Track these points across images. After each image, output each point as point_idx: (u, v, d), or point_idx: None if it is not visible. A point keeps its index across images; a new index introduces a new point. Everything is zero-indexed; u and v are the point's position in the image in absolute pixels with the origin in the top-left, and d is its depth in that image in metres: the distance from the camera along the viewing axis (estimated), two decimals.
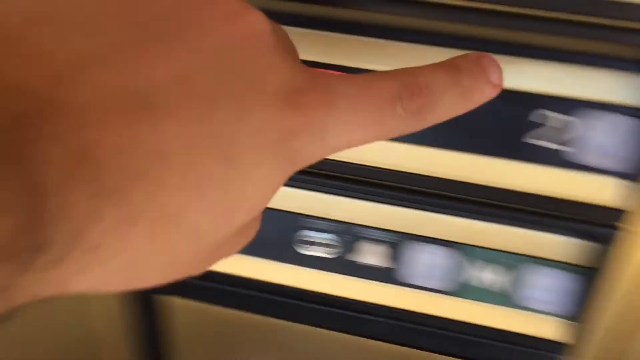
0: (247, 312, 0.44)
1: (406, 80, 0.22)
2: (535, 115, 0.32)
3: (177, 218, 0.17)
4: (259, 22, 0.20)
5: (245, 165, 0.19)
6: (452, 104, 0.23)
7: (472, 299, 0.39)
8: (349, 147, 0.21)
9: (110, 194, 0.16)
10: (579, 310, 0.37)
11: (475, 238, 0.38)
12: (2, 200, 0.14)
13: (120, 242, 0.16)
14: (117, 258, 0.16)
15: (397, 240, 0.39)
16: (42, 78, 0.15)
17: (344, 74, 0.22)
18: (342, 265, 0.40)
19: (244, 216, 0.20)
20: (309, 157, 0.21)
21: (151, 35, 0.17)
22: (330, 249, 0.39)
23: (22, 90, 0.15)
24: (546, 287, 0.38)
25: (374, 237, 0.39)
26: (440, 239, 0.38)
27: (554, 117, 0.32)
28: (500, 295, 0.38)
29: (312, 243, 0.39)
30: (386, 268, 0.39)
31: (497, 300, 0.39)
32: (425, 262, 0.39)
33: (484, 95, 0.24)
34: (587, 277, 0.36)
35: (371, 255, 0.39)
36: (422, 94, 0.22)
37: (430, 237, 0.38)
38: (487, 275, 0.38)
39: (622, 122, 0.31)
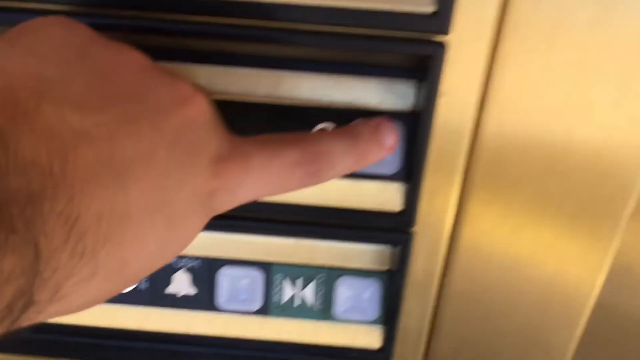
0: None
1: (309, 147, 0.26)
2: (314, 126, 0.34)
3: (124, 268, 0.21)
4: (203, 103, 0.24)
5: (179, 222, 0.23)
6: (347, 166, 0.28)
7: (285, 317, 0.40)
8: (253, 199, 0.26)
9: (83, 256, 0.19)
10: (386, 313, 0.39)
11: (279, 255, 0.38)
12: (9, 266, 0.17)
13: (83, 290, 0.20)
14: (77, 301, 0.20)
15: (203, 266, 0.38)
16: (47, 154, 0.18)
17: (259, 138, 0.26)
18: (151, 297, 0.39)
19: (171, 259, 0.25)
20: (222, 208, 0.25)
21: (126, 115, 0.21)
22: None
23: (33, 166, 0.17)
24: (355, 295, 0.39)
25: (182, 265, 0.38)
26: (246, 260, 0.38)
27: (332, 128, 0.34)
28: (312, 310, 0.39)
29: None
30: (196, 295, 0.39)
31: (309, 315, 0.40)
32: (234, 285, 0.39)
33: (377, 157, 0.29)
34: (389, 280, 0.38)
35: (180, 283, 0.39)
36: (321, 160, 0.26)
37: (235, 260, 0.38)
38: (297, 292, 0.39)
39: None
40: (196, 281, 0.39)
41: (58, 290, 0.19)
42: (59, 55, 0.22)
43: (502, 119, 0.32)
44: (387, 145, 0.29)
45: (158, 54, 0.27)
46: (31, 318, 0.19)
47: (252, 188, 0.26)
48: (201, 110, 0.24)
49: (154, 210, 0.22)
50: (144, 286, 0.39)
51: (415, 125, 0.32)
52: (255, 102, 0.33)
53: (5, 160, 0.17)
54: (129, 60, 0.24)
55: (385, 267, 0.39)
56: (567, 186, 0.33)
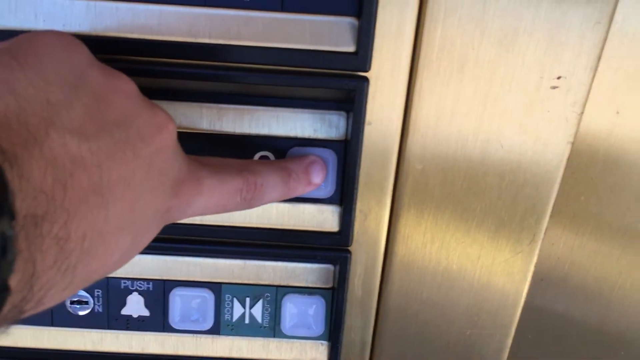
0: None
1: (249, 178, 0.31)
2: (256, 155, 0.37)
3: (92, 277, 0.23)
4: (174, 131, 0.27)
5: (141, 236, 0.26)
6: (275, 198, 0.33)
7: (236, 335, 0.42)
8: (199, 215, 0.30)
9: (66, 271, 0.21)
10: (330, 329, 0.41)
11: (228, 276, 0.41)
12: (13, 283, 0.18)
13: (57, 297, 0.22)
14: (48, 304, 0.22)
15: (156, 288, 0.41)
16: (52, 180, 0.19)
17: (211, 163, 0.30)
18: (106, 320, 0.41)
19: (126, 263, 0.27)
20: (173, 221, 0.29)
21: (115, 141, 0.23)
22: (86, 305, 0.40)
23: (41, 192, 0.19)
24: (301, 313, 0.42)
25: (135, 288, 0.40)
26: (196, 282, 0.40)
27: (271, 155, 0.37)
28: (261, 328, 0.42)
29: (72, 302, 0.40)
30: (150, 316, 0.41)
31: (258, 333, 0.42)
32: (186, 305, 0.41)
33: (304, 191, 0.35)
34: (330, 297, 0.41)
35: (134, 306, 0.41)
36: (257, 190, 0.31)
37: (187, 281, 0.41)
38: (246, 310, 0.41)
39: (325, 155, 0.36)
40: (149, 303, 0.41)
41: (40, 300, 0.21)
42: (62, 77, 0.23)
43: (424, 144, 0.35)
44: (315, 183, 0.34)
45: None
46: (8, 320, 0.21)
47: (200, 207, 0.29)
48: (172, 137, 0.27)
49: (124, 228, 0.24)
50: (99, 309, 0.41)
51: (345, 152, 0.35)
52: (200, 132, 0.36)
53: (19, 185, 0.18)
54: (121, 87, 0.26)
55: (328, 285, 0.41)
56: (486, 204, 0.37)
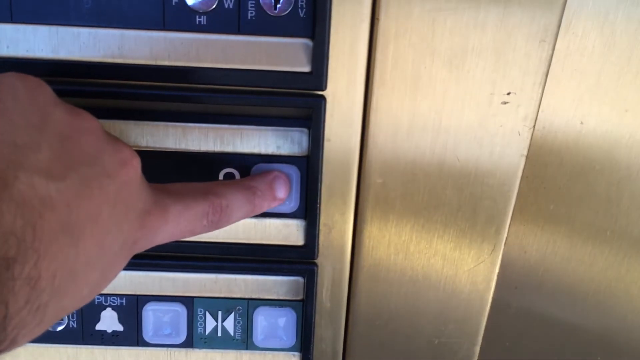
0: None
1: (214, 201, 0.31)
2: (222, 172, 0.38)
3: (61, 313, 0.24)
4: (138, 165, 0.28)
5: (110, 270, 0.27)
6: (244, 215, 0.34)
7: (209, 348, 0.43)
8: (167, 242, 0.30)
9: (38, 310, 0.21)
10: (301, 340, 0.42)
11: (200, 290, 0.42)
12: None
13: (29, 336, 0.22)
14: (20, 343, 0.22)
15: (129, 303, 0.41)
16: (22, 222, 0.20)
17: (175, 190, 0.31)
18: (81, 336, 0.42)
19: (95, 295, 0.27)
20: (140, 250, 0.29)
21: (81, 180, 0.24)
22: (61, 321, 0.41)
23: (11, 235, 0.19)
24: (272, 325, 0.43)
25: (109, 304, 0.41)
26: (171, 296, 0.41)
27: (236, 172, 0.38)
28: (233, 340, 0.43)
29: None
30: (123, 331, 0.42)
31: (231, 346, 0.43)
32: (159, 320, 0.42)
33: (269, 206, 0.35)
34: (301, 309, 0.41)
35: (108, 321, 0.42)
36: (223, 212, 0.32)
37: (161, 296, 0.41)
38: (219, 324, 0.42)
39: (289, 170, 0.37)
40: (123, 318, 0.42)
41: (14, 339, 0.21)
42: (27, 119, 0.23)
43: (382, 159, 0.36)
44: (280, 198, 0.35)
45: None
46: None
47: (168, 234, 0.30)
48: (136, 171, 0.28)
49: (93, 264, 0.24)
50: (73, 325, 0.42)
51: (308, 168, 0.36)
52: (167, 151, 0.37)
53: None
54: (85, 126, 0.27)
55: (299, 297, 0.42)
56: (446, 216, 0.38)
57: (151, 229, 0.29)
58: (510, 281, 0.51)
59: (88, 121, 0.27)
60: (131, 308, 0.41)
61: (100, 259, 0.25)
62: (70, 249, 0.22)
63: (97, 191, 0.24)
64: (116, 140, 0.28)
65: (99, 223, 0.24)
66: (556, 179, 0.46)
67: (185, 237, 0.32)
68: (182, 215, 0.30)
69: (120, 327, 0.41)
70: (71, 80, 0.32)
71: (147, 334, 0.41)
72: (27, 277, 0.20)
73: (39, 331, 0.23)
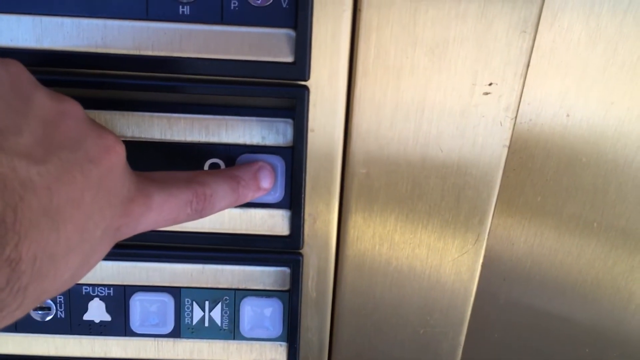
0: None
1: (198, 190, 0.31)
2: (207, 162, 0.38)
3: (42, 297, 0.24)
4: (122, 152, 0.28)
5: (91, 256, 0.26)
6: (226, 206, 0.34)
7: (196, 338, 0.43)
8: (150, 230, 0.30)
9: (17, 293, 0.21)
10: (288, 330, 0.42)
11: (188, 280, 0.42)
12: None
13: (8, 319, 0.23)
14: (0, 325, 0.22)
15: (116, 293, 0.42)
16: (2, 205, 0.20)
17: (159, 178, 0.31)
18: (69, 326, 0.42)
19: (77, 281, 0.27)
20: (123, 238, 0.29)
21: (63, 164, 0.24)
22: (49, 311, 0.41)
23: None
24: (259, 315, 0.43)
25: (97, 294, 0.42)
26: (158, 286, 0.42)
27: (221, 162, 0.38)
28: (220, 330, 0.43)
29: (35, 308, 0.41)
30: (111, 322, 0.42)
31: (218, 336, 0.43)
32: (146, 310, 0.42)
33: (254, 196, 0.35)
34: (287, 299, 0.42)
35: (96, 311, 0.42)
36: (207, 200, 0.32)
37: (148, 286, 0.42)
38: (206, 314, 0.42)
39: (274, 161, 0.38)
40: (110, 308, 0.42)
41: None
42: (8, 103, 0.23)
43: (366, 149, 0.37)
44: (264, 188, 0.35)
45: None
46: None
47: (151, 222, 0.30)
48: (120, 158, 0.28)
49: (74, 249, 0.24)
50: (61, 315, 0.42)
51: (292, 158, 0.37)
52: (152, 141, 0.37)
53: None
54: (68, 110, 0.27)
55: (285, 288, 0.42)
56: (430, 206, 0.38)
57: (134, 217, 0.29)
58: (498, 273, 0.51)
59: (71, 106, 0.27)
60: (119, 298, 0.42)
61: (81, 244, 0.25)
62: (51, 232, 0.23)
63: (79, 176, 0.24)
64: (100, 126, 0.28)
65: (80, 208, 0.24)
66: (543, 172, 0.46)
67: (169, 225, 0.32)
68: (166, 203, 0.30)
69: (107, 317, 0.42)
70: (55, 70, 0.32)
71: (135, 324, 0.42)
72: (7, 259, 0.20)
73: (19, 314, 0.23)
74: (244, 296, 0.42)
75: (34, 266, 0.22)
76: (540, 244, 0.50)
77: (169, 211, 0.30)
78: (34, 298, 0.23)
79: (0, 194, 0.20)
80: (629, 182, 0.46)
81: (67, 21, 0.32)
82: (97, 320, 0.42)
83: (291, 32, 0.33)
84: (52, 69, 0.32)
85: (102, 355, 0.43)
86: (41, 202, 0.22)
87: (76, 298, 0.41)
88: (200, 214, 0.32)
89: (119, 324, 0.42)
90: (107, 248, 0.28)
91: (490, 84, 0.34)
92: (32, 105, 0.25)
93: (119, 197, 0.27)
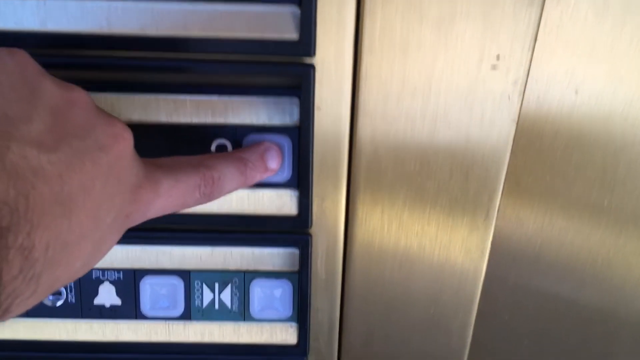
0: None
1: (206, 173, 0.31)
2: (213, 144, 0.38)
3: (55, 285, 0.24)
4: (131, 139, 0.28)
5: (103, 243, 0.27)
6: (234, 188, 0.34)
7: (206, 320, 0.43)
8: (160, 215, 0.30)
9: (31, 280, 0.22)
10: (298, 311, 0.43)
11: (197, 263, 0.42)
12: None
13: (22, 306, 0.23)
14: (13, 314, 0.23)
15: (126, 277, 0.42)
16: (14, 192, 0.20)
17: (166, 163, 0.31)
18: (80, 310, 0.42)
19: (90, 269, 0.27)
20: (133, 224, 0.29)
21: (73, 152, 0.24)
22: (60, 296, 0.42)
23: (4, 205, 0.20)
24: (269, 296, 0.43)
25: (106, 278, 0.42)
26: (168, 269, 0.42)
27: (228, 144, 0.38)
28: (231, 312, 0.43)
29: None
30: (122, 305, 0.42)
31: (229, 317, 0.43)
32: (156, 293, 0.42)
33: (262, 177, 0.35)
34: (297, 280, 0.42)
35: (106, 295, 0.42)
36: (215, 184, 0.32)
37: (158, 269, 0.42)
38: (216, 296, 0.43)
39: (281, 141, 0.38)
40: (121, 292, 0.42)
41: (7, 309, 0.21)
42: (18, 92, 0.24)
43: (373, 127, 0.36)
44: (272, 168, 0.35)
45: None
46: None
47: (160, 207, 0.30)
48: (129, 145, 0.28)
49: (86, 236, 0.25)
50: (72, 300, 0.42)
51: (299, 138, 0.36)
52: (157, 124, 0.37)
53: None
54: (77, 99, 0.27)
55: (294, 269, 0.42)
56: (439, 183, 0.38)
57: (143, 203, 0.29)
58: (507, 254, 0.51)
59: (79, 94, 0.27)
60: (129, 282, 0.42)
61: (93, 231, 0.25)
62: (63, 220, 0.23)
63: (89, 164, 0.24)
64: (108, 114, 0.28)
65: (91, 196, 0.24)
66: (551, 150, 0.46)
67: (178, 210, 0.32)
68: (174, 188, 0.30)
69: (118, 301, 0.42)
70: (60, 53, 0.32)
71: (145, 307, 0.42)
72: (20, 247, 0.21)
73: (32, 302, 0.23)
74: (254, 278, 0.42)
75: (46, 254, 0.22)
76: (550, 223, 0.49)
77: (177, 196, 0.31)
78: (47, 286, 0.24)
79: (12, 182, 0.20)
80: (636, 162, 0.46)
81: (71, 3, 0.32)
82: (107, 305, 0.42)
83: (296, 9, 0.33)
84: (57, 51, 0.32)
85: (113, 339, 0.43)
86: (53, 190, 0.22)
87: (86, 282, 0.41)
88: (208, 197, 0.32)
89: (129, 308, 0.42)
90: (117, 236, 0.28)
91: (497, 58, 0.33)
92: (41, 94, 0.25)
93: (127, 184, 0.28)
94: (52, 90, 0.26)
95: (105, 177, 0.26)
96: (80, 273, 0.27)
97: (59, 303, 0.42)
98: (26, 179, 0.21)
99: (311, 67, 0.33)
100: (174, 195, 0.30)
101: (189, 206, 0.32)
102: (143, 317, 0.42)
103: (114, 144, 0.27)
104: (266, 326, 0.43)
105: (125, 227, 0.29)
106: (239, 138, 0.37)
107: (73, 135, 0.25)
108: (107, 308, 0.42)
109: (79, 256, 0.25)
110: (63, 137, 0.24)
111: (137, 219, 0.30)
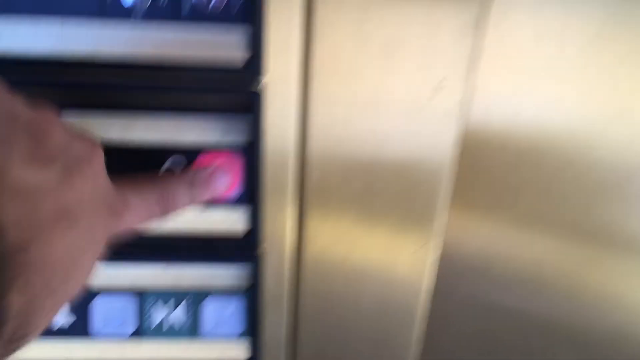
0: None
1: (162, 192, 0.34)
2: (166, 162, 0.38)
3: (67, 298, 0.25)
4: (101, 149, 0.29)
5: (98, 252, 0.28)
6: (184, 205, 0.35)
7: (158, 339, 0.43)
8: (127, 230, 0.31)
9: (48, 296, 0.23)
10: (249, 327, 0.43)
11: (150, 282, 0.42)
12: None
13: (41, 324, 0.24)
14: (39, 328, 0.24)
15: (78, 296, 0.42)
16: (19, 212, 0.22)
17: (130, 181, 0.32)
18: None
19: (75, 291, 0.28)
20: (112, 236, 0.30)
21: (62, 168, 0.25)
22: None
23: (16, 224, 0.21)
24: (220, 313, 0.43)
25: None
26: (120, 288, 0.42)
27: (179, 163, 0.39)
28: (183, 330, 0.43)
29: None
30: (73, 324, 0.42)
31: (180, 335, 0.43)
32: (109, 312, 0.42)
33: (210, 197, 0.37)
34: (248, 297, 0.42)
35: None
36: (168, 201, 0.34)
37: (110, 288, 0.42)
38: (168, 314, 0.43)
39: (232, 159, 0.38)
40: (73, 310, 0.42)
41: (35, 325, 0.23)
42: None
43: (322, 146, 0.37)
44: (218, 189, 0.37)
45: None
46: None
47: (129, 223, 0.32)
48: (102, 156, 0.29)
49: (88, 247, 0.26)
50: None
51: (249, 157, 0.37)
52: (110, 143, 0.37)
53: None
54: (50, 119, 0.27)
55: (246, 286, 0.43)
56: (385, 202, 0.39)
57: (118, 216, 0.30)
58: (455, 268, 0.52)
59: (51, 114, 0.27)
60: (81, 300, 0.42)
61: (92, 243, 0.27)
62: (68, 232, 0.24)
63: (77, 178, 0.26)
64: (79, 130, 0.29)
65: (84, 208, 0.26)
66: (495, 169, 0.48)
67: (141, 225, 0.33)
68: (140, 205, 0.32)
69: (70, 320, 0.42)
70: (12, 72, 0.32)
71: (97, 325, 0.42)
72: (37, 263, 0.22)
73: (50, 317, 0.25)
74: (206, 295, 0.42)
75: (62, 267, 0.24)
76: (496, 238, 0.51)
77: (142, 212, 0.32)
78: (62, 300, 0.25)
79: (17, 202, 0.22)
80: (580, 177, 0.47)
81: (21, 25, 0.32)
82: (59, 323, 0.42)
83: (246, 31, 0.34)
84: (9, 71, 0.32)
85: (64, 358, 0.43)
86: (50, 206, 0.23)
87: None
88: (164, 213, 0.34)
89: (82, 326, 0.42)
90: (100, 249, 0.29)
91: (441, 81, 0.35)
92: (17, 117, 0.25)
93: (107, 197, 0.29)
94: (27, 112, 0.26)
95: (91, 190, 0.27)
96: (84, 286, 0.28)
97: None
98: (27, 197, 0.22)
99: (261, 88, 0.34)
100: (140, 211, 0.32)
101: (149, 221, 0.33)
102: (95, 335, 0.42)
103: (93, 157, 0.28)
104: (218, 343, 0.44)
105: (108, 237, 0.30)
106: (191, 157, 0.38)
107: (57, 152, 0.26)
108: (59, 326, 0.42)
109: (86, 267, 0.27)
110: (49, 156, 0.25)
111: (112, 230, 0.31)
